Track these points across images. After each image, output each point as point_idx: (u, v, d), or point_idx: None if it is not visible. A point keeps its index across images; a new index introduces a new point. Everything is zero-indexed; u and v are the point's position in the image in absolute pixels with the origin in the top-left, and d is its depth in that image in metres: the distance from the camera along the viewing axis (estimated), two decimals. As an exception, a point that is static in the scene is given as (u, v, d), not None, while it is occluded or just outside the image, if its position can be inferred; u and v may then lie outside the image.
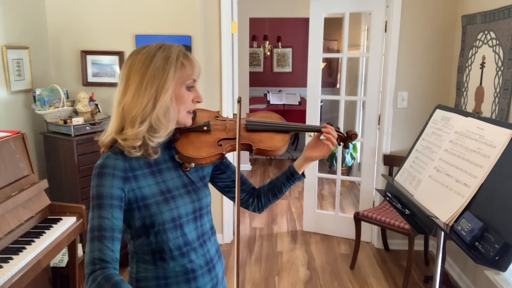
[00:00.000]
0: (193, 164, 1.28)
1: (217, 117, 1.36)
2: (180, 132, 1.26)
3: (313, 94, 3.89)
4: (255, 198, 1.46)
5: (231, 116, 1.38)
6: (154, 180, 1.21)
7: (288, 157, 7.11)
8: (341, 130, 1.44)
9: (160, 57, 1.16)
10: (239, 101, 1.33)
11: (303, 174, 1.42)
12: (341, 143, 1.42)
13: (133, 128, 1.14)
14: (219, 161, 1.35)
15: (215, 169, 1.42)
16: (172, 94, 1.17)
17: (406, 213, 1.79)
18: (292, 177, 1.41)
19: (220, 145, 1.26)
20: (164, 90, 1.15)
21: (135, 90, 1.16)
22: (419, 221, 1.72)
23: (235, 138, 1.27)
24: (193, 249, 1.26)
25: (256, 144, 1.28)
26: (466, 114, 1.74)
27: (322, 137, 1.37)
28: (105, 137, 1.20)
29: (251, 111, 7.12)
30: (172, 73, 1.16)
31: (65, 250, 2.56)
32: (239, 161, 1.16)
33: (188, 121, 1.25)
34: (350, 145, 1.47)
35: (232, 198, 1.48)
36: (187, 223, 1.25)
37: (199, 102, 1.25)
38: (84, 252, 2.77)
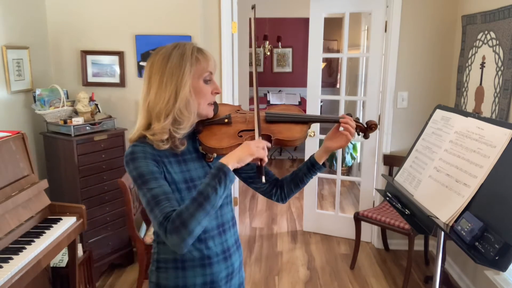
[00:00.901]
0: (215, 155, 1.34)
1: (238, 110, 1.44)
2: (203, 125, 1.34)
3: (313, 94, 3.89)
4: (278, 189, 1.52)
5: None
6: (179, 169, 1.29)
7: (288, 157, 7.11)
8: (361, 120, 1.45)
9: (176, 55, 1.26)
10: (253, 7, 1.43)
11: (323, 164, 1.46)
12: (361, 133, 1.45)
13: (159, 122, 1.24)
14: None
15: None
16: (191, 87, 1.26)
17: (406, 213, 1.79)
18: (313, 167, 1.46)
19: (241, 136, 1.33)
20: (182, 85, 1.24)
21: (157, 88, 1.25)
22: (419, 221, 1.72)
23: (254, 129, 1.34)
24: (211, 237, 1.32)
25: (275, 135, 1.34)
26: (466, 114, 1.74)
27: (341, 127, 1.41)
28: (133, 134, 1.30)
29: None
30: (188, 68, 1.25)
31: (65, 250, 2.56)
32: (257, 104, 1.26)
33: (210, 113, 1.33)
34: (369, 135, 1.49)
35: (256, 189, 1.55)
36: None
37: (218, 93, 1.33)
38: (84, 252, 2.77)
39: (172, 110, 1.24)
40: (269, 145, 1.26)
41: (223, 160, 1.18)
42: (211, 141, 1.31)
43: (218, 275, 1.33)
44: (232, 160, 1.18)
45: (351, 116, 1.42)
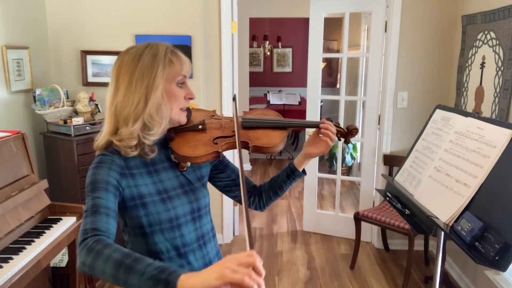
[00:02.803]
0: (189, 164, 1.26)
1: (213, 116, 1.36)
2: (176, 131, 1.26)
3: (313, 94, 3.89)
4: (256, 196, 1.45)
5: (230, 115, 1.37)
6: (151, 180, 1.21)
7: (288, 157, 7.11)
8: (342, 125, 1.42)
9: (148, 55, 1.17)
10: (234, 99, 1.35)
11: (303, 171, 1.40)
12: (342, 139, 1.39)
13: (127, 127, 1.15)
14: (217, 160, 1.34)
15: (213, 169, 1.41)
16: (163, 91, 1.17)
17: (406, 213, 1.79)
18: (292, 174, 1.39)
19: (216, 143, 1.25)
20: (154, 88, 1.16)
21: (125, 90, 1.16)
22: (419, 221, 1.72)
23: (230, 136, 1.27)
24: (191, 250, 1.25)
25: (252, 142, 1.27)
26: (466, 114, 1.74)
27: (321, 133, 1.34)
28: (99, 140, 1.21)
29: (228, 117, 7.02)
30: (160, 70, 1.17)
31: (65, 250, 2.56)
32: (241, 159, 1.14)
33: (182, 119, 1.25)
34: (352, 141, 1.42)
35: (233, 197, 1.47)
36: (185, 224, 1.24)
37: (191, 98, 1.25)
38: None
39: (142, 114, 1.15)
40: (261, 271, 0.84)
41: (184, 277, 0.86)
42: (184, 149, 1.22)
43: None
44: (191, 283, 0.85)
45: (331, 121, 1.35)
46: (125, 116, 1.16)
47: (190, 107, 1.30)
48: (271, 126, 1.33)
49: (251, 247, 0.89)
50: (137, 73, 1.16)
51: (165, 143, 1.26)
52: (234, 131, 1.26)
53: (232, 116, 1.31)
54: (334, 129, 1.33)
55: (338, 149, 3.95)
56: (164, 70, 1.17)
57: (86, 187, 1.13)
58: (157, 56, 1.17)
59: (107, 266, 0.93)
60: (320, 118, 4.05)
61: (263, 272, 0.85)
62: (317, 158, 4.05)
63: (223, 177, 1.43)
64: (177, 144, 1.24)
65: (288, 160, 7.00)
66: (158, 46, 1.20)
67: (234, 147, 1.26)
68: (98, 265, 0.94)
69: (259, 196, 1.45)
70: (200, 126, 1.28)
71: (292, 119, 1.39)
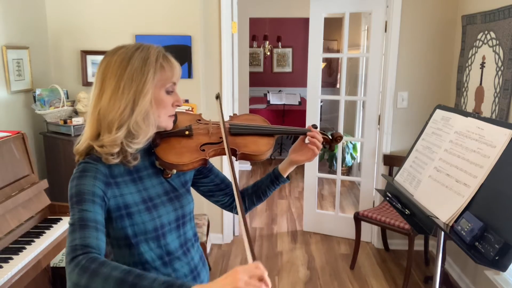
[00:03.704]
0: (174, 171, 1.22)
1: (199, 120, 1.31)
2: (161, 137, 1.20)
3: (313, 94, 3.89)
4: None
5: (216, 119, 1.31)
6: (135, 188, 1.16)
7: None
8: (340, 131, 1.42)
9: (138, 59, 1.10)
10: (217, 97, 1.30)
11: (287, 177, 1.38)
12: (326, 146, 1.37)
13: (110, 134, 1.08)
14: (202, 167, 1.29)
15: (197, 174, 1.37)
16: (152, 98, 1.11)
17: (406, 213, 1.79)
18: (276, 180, 1.37)
19: (203, 150, 1.21)
20: (143, 94, 1.09)
21: (111, 94, 1.09)
22: (419, 221, 1.72)
23: (218, 143, 1.23)
24: (176, 258, 1.22)
25: (240, 149, 1.23)
26: (466, 114, 1.74)
27: (307, 140, 1.32)
28: (80, 144, 1.14)
29: (252, 111, 7.07)
30: (151, 75, 1.10)
31: (65, 250, 2.55)
32: (233, 165, 1.12)
33: (169, 125, 1.19)
34: (336, 147, 1.42)
35: (215, 202, 1.44)
36: (170, 232, 1.21)
37: (179, 106, 1.20)
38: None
39: (127, 121, 1.08)
40: (269, 284, 0.92)
41: None
42: (169, 156, 1.16)
43: None
44: None
45: (317, 128, 1.33)
46: (108, 121, 1.09)
47: (191, 108, 1.28)
48: (259, 133, 1.29)
49: (254, 258, 0.90)
50: (125, 77, 1.09)
51: (148, 148, 1.20)
52: (221, 137, 1.21)
53: (218, 121, 1.26)
54: (320, 136, 1.31)
55: (338, 149, 3.95)
56: (155, 75, 1.11)
57: (70, 199, 1.05)
58: (148, 60, 1.11)
59: (107, 286, 0.88)
60: (320, 119, 4.07)
61: (270, 284, 0.88)
62: (317, 158, 4.05)
63: (207, 182, 1.39)
64: (162, 150, 1.18)
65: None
66: (149, 49, 1.13)
67: (222, 154, 1.22)
68: (95, 286, 0.89)
69: (242, 201, 1.41)
70: (186, 132, 1.22)
71: (279, 125, 1.37)
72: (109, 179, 1.11)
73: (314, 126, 1.33)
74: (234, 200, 1.40)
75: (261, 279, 0.87)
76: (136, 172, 1.18)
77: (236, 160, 1.21)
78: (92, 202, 1.04)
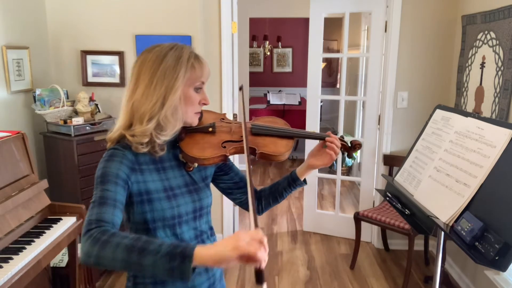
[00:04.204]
0: (196, 164, 1.28)
1: (223, 119, 1.38)
2: (186, 131, 1.28)
3: (313, 94, 3.89)
4: (256, 201, 1.46)
5: (238, 120, 1.40)
6: (158, 177, 1.23)
7: (289, 157, 7.11)
8: (345, 138, 1.45)
9: (172, 57, 1.19)
10: (240, 88, 1.38)
11: (304, 180, 1.43)
12: (345, 152, 1.43)
13: (141, 125, 1.16)
14: (222, 163, 1.36)
15: (217, 170, 1.43)
16: (181, 94, 1.19)
17: (406, 213, 1.79)
18: (294, 183, 1.42)
19: (224, 147, 1.27)
20: (173, 90, 1.17)
21: (144, 88, 1.18)
22: (419, 221, 1.72)
23: (239, 141, 1.30)
24: None
25: (260, 148, 1.30)
26: (466, 114, 1.74)
27: (325, 146, 1.37)
28: (113, 133, 1.23)
29: (252, 111, 7.06)
30: (182, 73, 1.18)
31: (65, 250, 2.56)
32: (249, 160, 1.17)
33: (195, 121, 1.27)
34: (354, 155, 1.47)
35: (233, 200, 1.49)
36: (186, 222, 1.26)
37: (205, 104, 1.27)
38: (84, 252, 2.77)
39: (158, 115, 1.16)
40: (267, 248, 0.96)
41: (199, 249, 0.92)
42: (193, 150, 1.24)
43: None
44: (207, 257, 0.92)
45: (336, 134, 1.39)
46: (141, 113, 1.17)
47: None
48: (279, 135, 1.36)
49: (256, 225, 0.97)
50: (158, 74, 1.17)
51: (174, 142, 1.28)
52: (242, 136, 1.28)
53: (240, 122, 1.34)
54: (339, 143, 1.37)
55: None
56: (186, 74, 1.19)
57: (96, 179, 1.13)
58: (181, 59, 1.19)
59: (117, 253, 0.94)
60: (320, 119, 4.07)
61: (267, 249, 0.95)
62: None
63: (226, 179, 1.44)
64: (187, 144, 1.26)
65: (289, 160, 7.00)
66: (182, 49, 1.21)
67: (242, 152, 1.28)
68: (106, 254, 0.95)
69: (259, 201, 1.46)
70: (210, 129, 1.30)
71: (299, 129, 1.42)
72: (135, 165, 1.19)
73: (334, 132, 1.40)
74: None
75: (260, 243, 0.92)
76: (160, 162, 1.25)
77: (255, 159, 1.27)
78: (114, 184, 1.11)
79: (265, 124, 1.38)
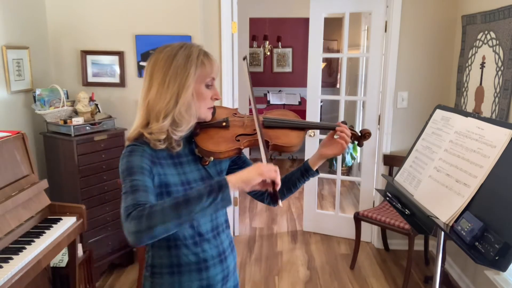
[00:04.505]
0: (211, 158, 1.33)
1: (235, 114, 1.43)
2: (200, 127, 1.32)
3: (313, 94, 3.89)
4: None
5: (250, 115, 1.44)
6: (176, 171, 1.27)
7: (288, 157, 7.11)
8: (356, 129, 1.47)
9: (182, 56, 1.24)
10: (244, 58, 1.41)
11: (317, 170, 1.48)
12: (355, 142, 1.47)
13: (157, 122, 1.22)
14: (237, 156, 1.40)
15: (232, 164, 1.47)
16: (193, 91, 1.24)
17: (406, 213, 1.79)
18: (306, 173, 1.47)
19: (238, 140, 1.32)
20: (185, 88, 1.22)
21: (158, 87, 1.23)
22: (419, 221, 1.72)
23: (252, 134, 1.34)
24: (206, 240, 1.32)
25: (272, 140, 1.34)
26: (466, 114, 1.74)
27: (336, 135, 1.41)
28: (131, 132, 1.27)
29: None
30: (193, 71, 1.23)
31: (65, 250, 2.56)
32: (265, 150, 1.23)
33: (208, 116, 1.32)
34: (364, 143, 1.51)
35: (249, 193, 1.52)
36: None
37: (217, 99, 1.32)
38: (84, 252, 2.77)
39: (172, 111, 1.22)
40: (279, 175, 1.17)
41: (229, 176, 1.11)
42: (208, 144, 1.29)
43: (214, 279, 1.33)
44: (237, 180, 1.11)
45: (346, 124, 1.43)
46: (156, 112, 1.22)
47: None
48: (290, 127, 1.40)
49: (268, 159, 1.19)
50: (170, 72, 1.22)
51: (189, 137, 1.32)
52: (255, 129, 1.32)
53: (252, 116, 1.38)
54: (349, 132, 1.41)
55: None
56: (196, 71, 1.24)
57: (122, 174, 1.18)
58: (191, 57, 1.24)
59: (166, 214, 1.04)
60: (320, 119, 4.06)
61: (279, 178, 1.16)
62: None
63: None
64: (202, 139, 1.30)
65: (288, 160, 7.00)
66: (191, 48, 1.26)
67: (255, 145, 1.32)
68: (156, 221, 1.03)
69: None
70: (224, 123, 1.35)
71: (309, 121, 1.44)
72: (155, 158, 1.23)
73: (344, 122, 1.43)
74: (266, 190, 1.50)
75: (276, 171, 1.14)
76: (177, 157, 1.29)
77: (269, 151, 1.31)
78: (141, 174, 1.17)
79: (277, 117, 1.42)
